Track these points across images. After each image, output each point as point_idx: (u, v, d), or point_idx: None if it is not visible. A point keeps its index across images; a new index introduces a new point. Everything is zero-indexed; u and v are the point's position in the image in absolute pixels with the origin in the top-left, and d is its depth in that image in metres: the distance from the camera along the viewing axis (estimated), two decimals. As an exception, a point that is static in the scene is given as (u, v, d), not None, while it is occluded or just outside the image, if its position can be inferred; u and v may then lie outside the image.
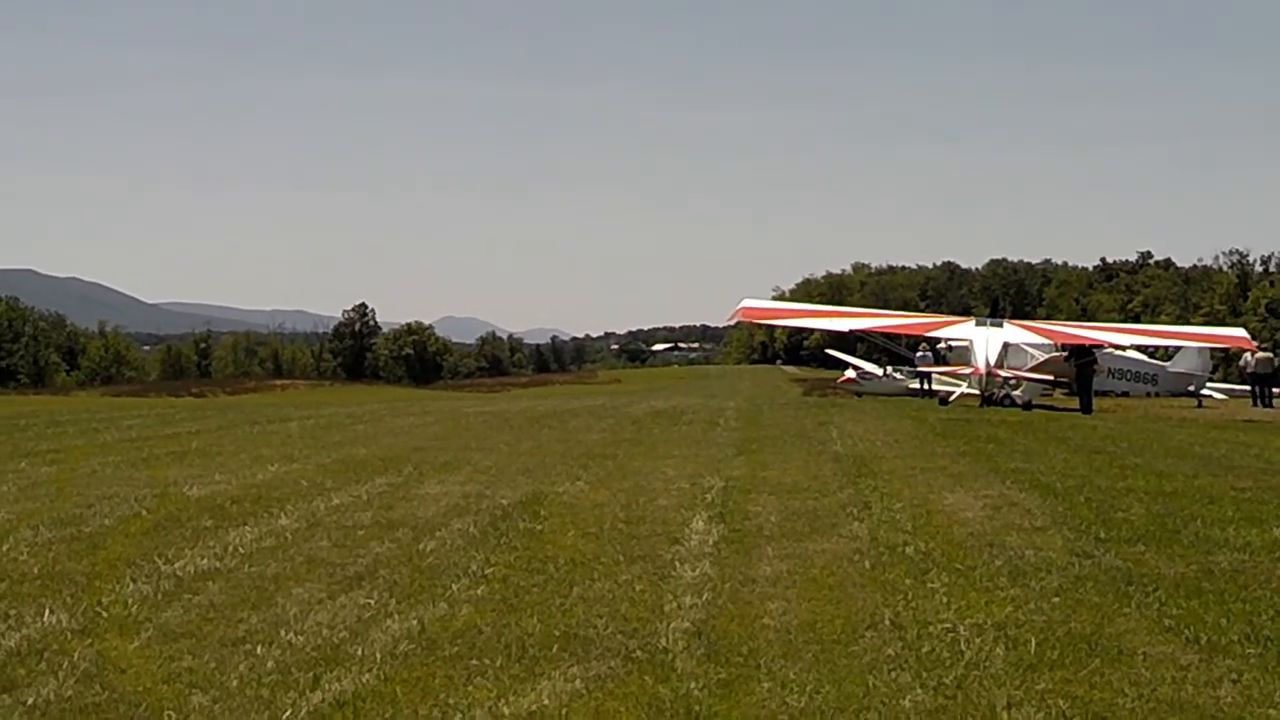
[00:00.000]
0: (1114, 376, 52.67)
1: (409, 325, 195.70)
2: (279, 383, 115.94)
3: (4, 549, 11.50)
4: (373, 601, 9.51)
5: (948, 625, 8.63)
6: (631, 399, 44.28)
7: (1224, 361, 75.63)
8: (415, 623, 8.82)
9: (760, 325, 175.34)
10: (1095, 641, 8.25)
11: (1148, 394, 54.19)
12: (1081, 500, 14.31)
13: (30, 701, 7.19)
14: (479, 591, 9.81)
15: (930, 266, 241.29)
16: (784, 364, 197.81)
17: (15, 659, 8.01)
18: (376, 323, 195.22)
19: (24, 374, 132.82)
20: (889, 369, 65.60)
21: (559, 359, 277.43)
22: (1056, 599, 9.42)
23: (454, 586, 9.94)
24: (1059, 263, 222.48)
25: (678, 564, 10.69)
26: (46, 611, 9.14)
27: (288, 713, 6.98)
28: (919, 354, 57.63)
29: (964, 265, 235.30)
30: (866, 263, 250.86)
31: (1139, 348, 54.10)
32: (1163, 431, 26.84)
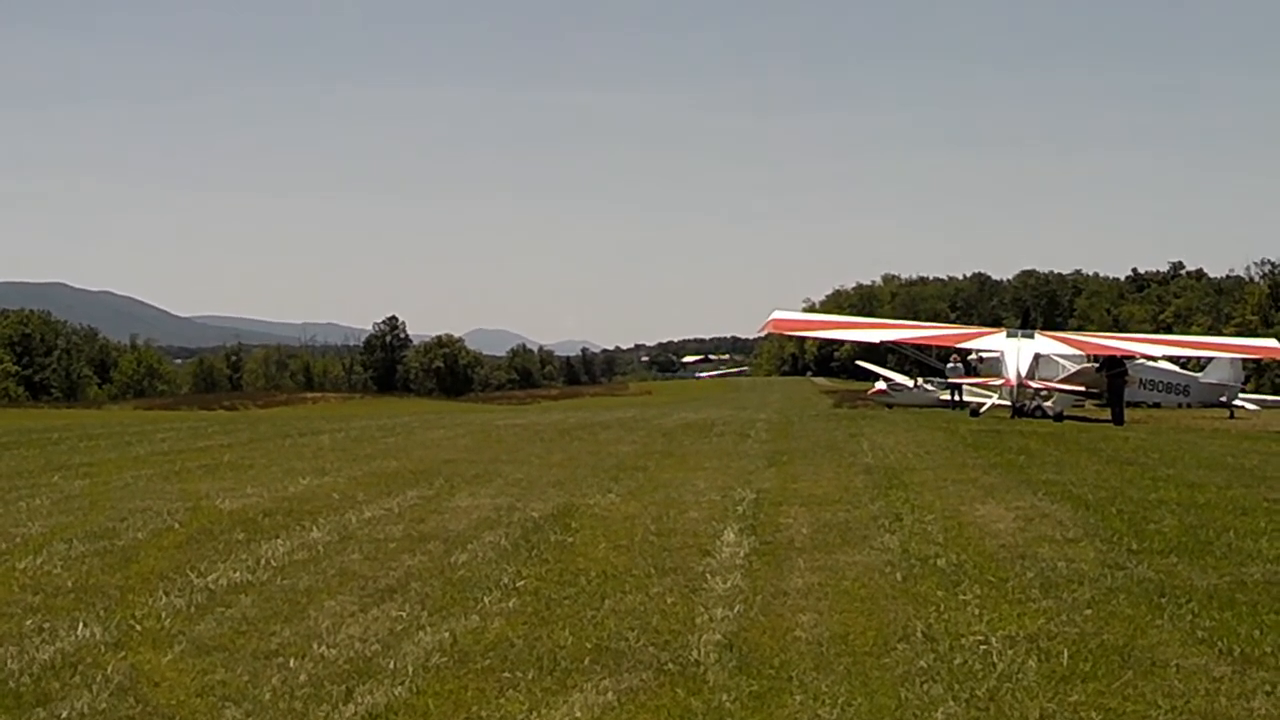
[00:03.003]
0: (1145, 387, 52.39)
1: (439, 338, 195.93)
2: (310, 395, 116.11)
3: (38, 562, 11.56)
4: (404, 614, 9.53)
5: (980, 637, 8.61)
6: (662, 411, 44.25)
7: (1256, 372, 75.26)
8: (447, 635, 8.84)
9: (790, 337, 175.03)
10: (1128, 653, 8.23)
11: (1179, 405, 53.84)
12: (1114, 512, 14.26)
13: (64, 715, 7.23)
14: (510, 604, 9.83)
15: (961, 277, 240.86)
16: (814, 375, 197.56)
17: (49, 672, 8.05)
18: (407, 335, 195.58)
19: (56, 388, 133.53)
20: (920, 380, 65.41)
21: (589, 371, 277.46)
22: (1089, 611, 9.40)
23: (485, 599, 9.96)
24: (1090, 273, 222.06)
25: (709, 576, 10.69)
26: (80, 625, 9.19)
27: (321, 725, 7.00)
28: (950, 365, 57.46)
29: (994, 276, 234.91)
30: (896, 274, 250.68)
31: (1171, 358, 53.80)
32: (1195, 443, 26.70)
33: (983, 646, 8.39)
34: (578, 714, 7.15)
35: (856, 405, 64.97)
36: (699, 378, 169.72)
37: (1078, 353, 46.49)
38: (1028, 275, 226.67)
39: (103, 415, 64.27)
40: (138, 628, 9.17)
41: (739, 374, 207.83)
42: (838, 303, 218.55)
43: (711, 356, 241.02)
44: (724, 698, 7.39)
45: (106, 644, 8.74)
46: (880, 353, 78.81)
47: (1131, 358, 47.03)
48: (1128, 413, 43.27)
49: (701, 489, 16.35)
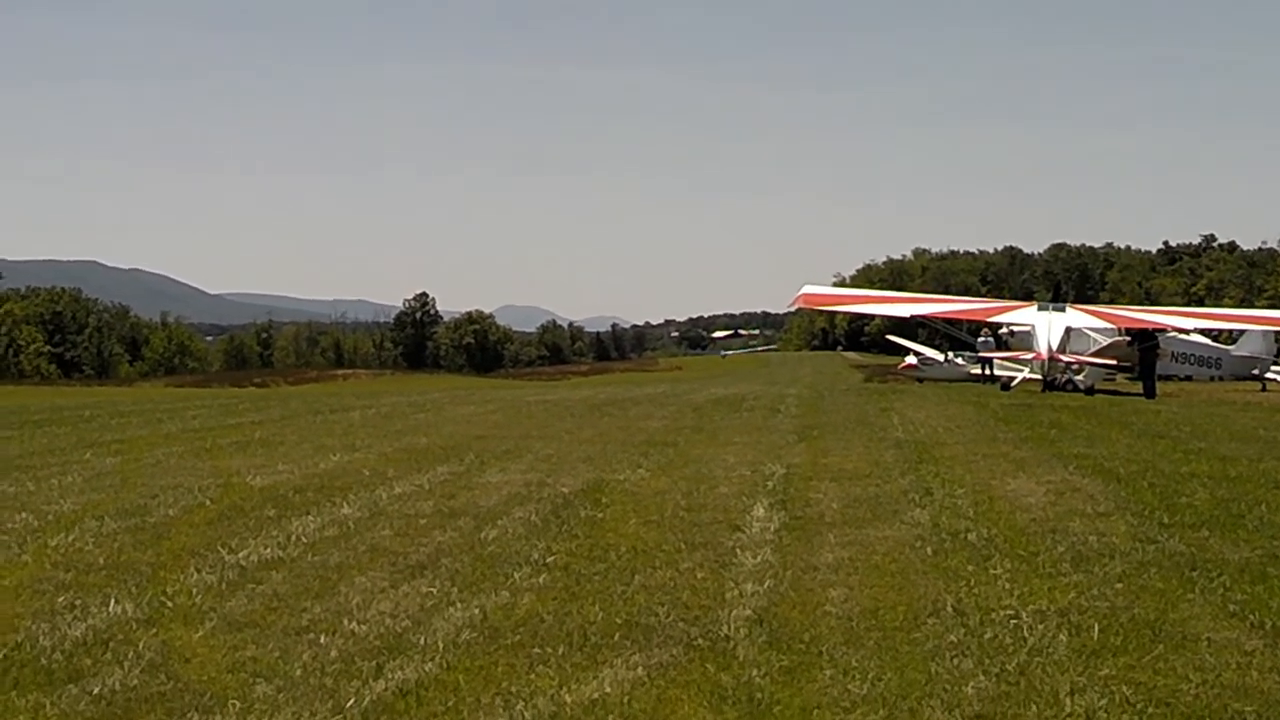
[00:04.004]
0: (1177, 360, 52.21)
1: (470, 314, 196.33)
2: (340, 372, 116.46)
3: (70, 539, 11.59)
4: (435, 590, 9.54)
5: (1010, 612, 8.59)
6: (692, 386, 44.25)
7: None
8: (477, 611, 8.85)
9: (821, 311, 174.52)
10: (1159, 627, 8.21)
11: (1211, 378, 53.67)
12: (1145, 485, 14.21)
13: (96, 691, 7.25)
14: (541, 580, 9.83)
15: (991, 251, 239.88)
16: (845, 350, 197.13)
17: (81, 649, 8.08)
18: (437, 312, 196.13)
19: (88, 365, 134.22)
20: (950, 354, 65.30)
21: (619, 347, 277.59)
22: (1120, 585, 9.37)
23: (516, 575, 9.96)
24: (1121, 246, 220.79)
25: (739, 551, 10.68)
26: (112, 602, 9.22)
27: (351, 701, 7.01)
28: (980, 339, 57.32)
29: (1025, 250, 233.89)
30: (927, 248, 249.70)
31: (1203, 331, 53.60)
32: (1227, 416, 26.61)
33: (1013, 621, 8.37)
34: (608, 689, 7.15)
35: (887, 380, 64.77)
36: (724, 355, 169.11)
37: (1109, 326, 46.34)
38: (1059, 248, 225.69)
39: (134, 392, 64.54)
40: (169, 604, 9.20)
41: (766, 350, 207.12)
42: (868, 277, 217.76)
43: (741, 332, 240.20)
44: (754, 672, 7.38)
45: (138, 620, 8.77)
46: (911, 327, 78.76)
47: (1163, 331, 46.85)
48: (1159, 386, 43.15)
49: (731, 464, 16.34)
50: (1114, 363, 45.84)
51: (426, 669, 7.55)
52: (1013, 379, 47.13)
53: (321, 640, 8.22)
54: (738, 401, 29.12)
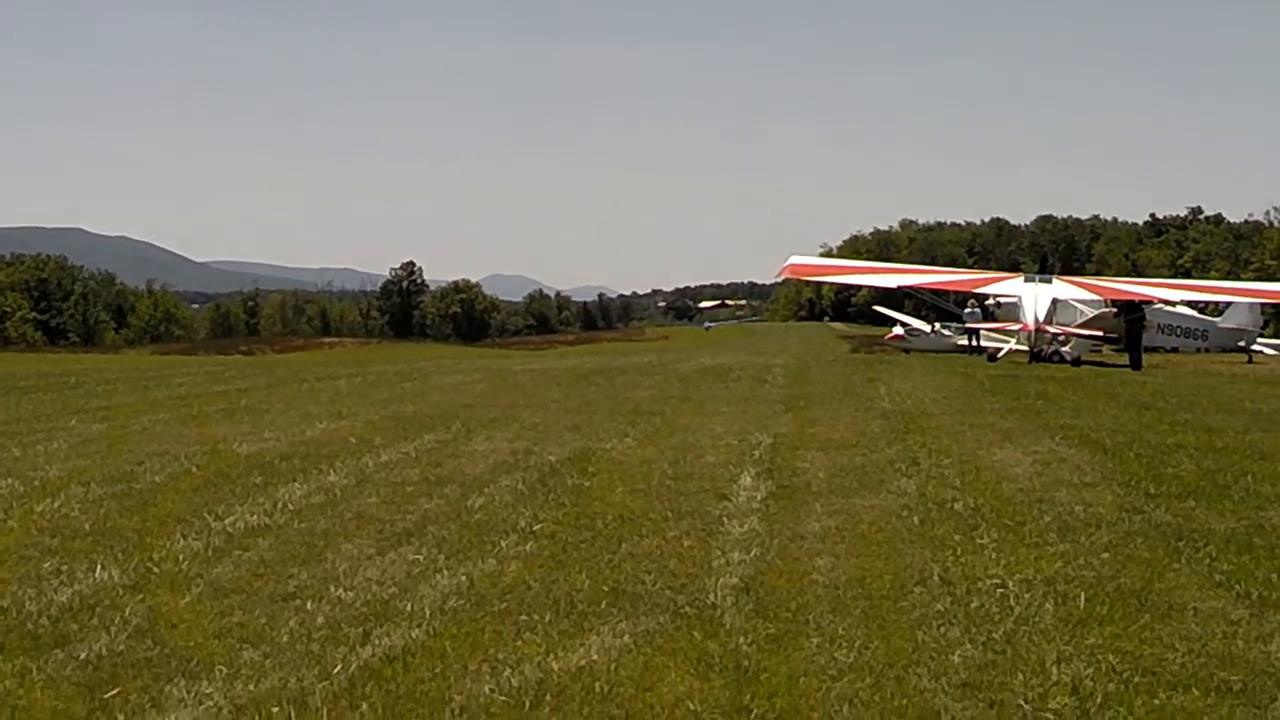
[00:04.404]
0: (1163, 332, 52.23)
1: (456, 283, 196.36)
2: (327, 340, 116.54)
3: (56, 505, 11.58)
4: (421, 557, 9.54)
5: (997, 581, 8.60)
6: (679, 356, 44.26)
7: (1275, 317, 74.97)
8: (464, 578, 8.84)
9: (808, 282, 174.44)
10: (1145, 597, 8.22)
11: (1198, 350, 53.70)
12: (1131, 456, 14.24)
13: (83, 656, 7.24)
14: (527, 548, 9.83)
15: (978, 223, 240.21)
16: (831, 321, 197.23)
17: (68, 614, 8.07)
18: (424, 281, 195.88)
19: (74, 332, 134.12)
20: (937, 325, 65.43)
21: (606, 317, 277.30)
22: (1106, 554, 9.39)
23: (502, 543, 9.96)
24: (1108, 218, 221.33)
25: (726, 520, 10.68)
26: (98, 567, 9.21)
27: (338, 667, 7.00)
28: (967, 310, 57.40)
29: (1012, 221, 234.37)
30: (914, 219, 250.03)
31: (1189, 303, 53.65)
32: (1213, 387, 26.66)
33: (999, 590, 8.38)
34: (594, 657, 7.15)
35: (874, 350, 64.99)
36: (707, 328, 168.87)
37: (1095, 298, 46.36)
38: (1045, 220, 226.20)
39: (120, 360, 64.46)
40: (155, 570, 9.19)
41: (748, 322, 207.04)
42: (855, 248, 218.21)
43: (729, 302, 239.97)
44: (741, 640, 7.38)
45: (124, 586, 8.76)
46: (898, 298, 78.83)
47: (1149, 302, 46.88)
48: (1146, 357, 43.21)
49: (718, 433, 16.35)
50: (1100, 334, 45.89)
51: (413, 636, 7.55)
52: (999, 350, 47.21)
53: (308, 607, 8.21)
54: (724, 371, 29.12)
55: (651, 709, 6.46)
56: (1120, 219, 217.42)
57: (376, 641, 7.44)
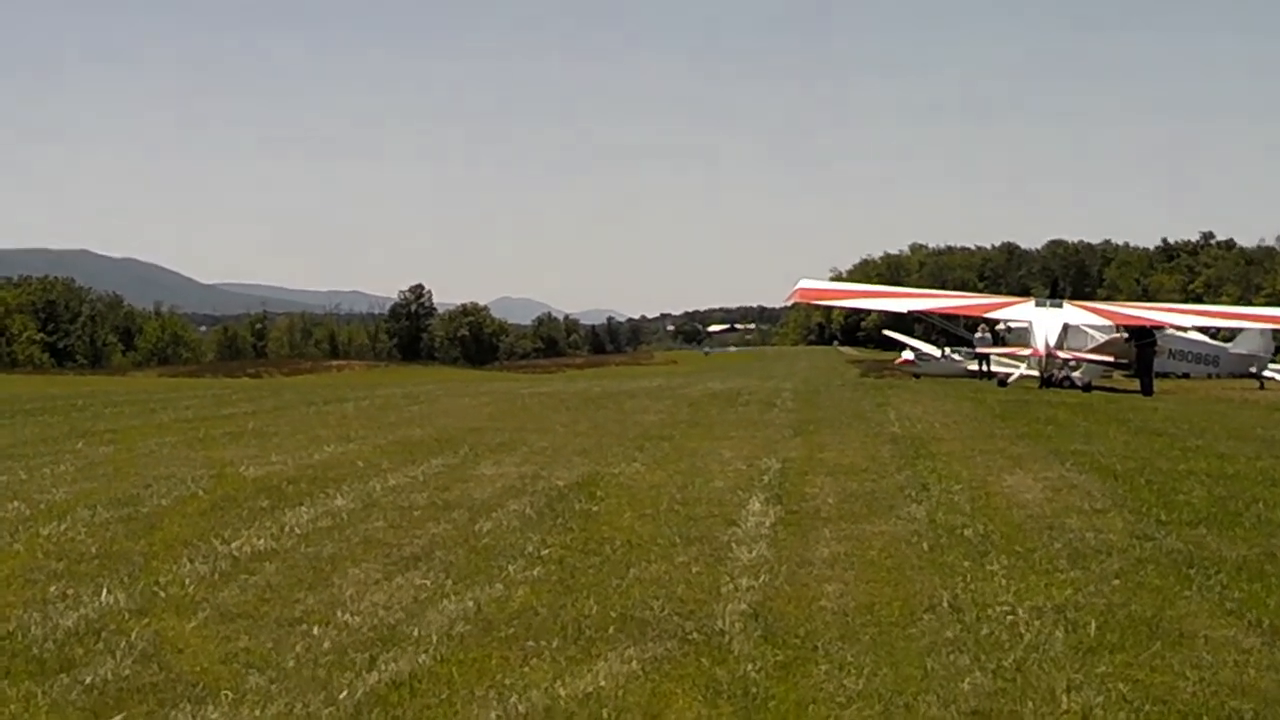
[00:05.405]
0: (1174, 358, 52.16)
1: (465, 306, 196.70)
2: (335, 363, 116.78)
3: (62, 528, 11.55)
4: (429, 582, 9.50)
5: (1007, 608, 8.56)
6: (688, 380, 44.25)
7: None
8: (471, 604, 8.81)
9: (817, 306, 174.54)
10: (1156, 625, 8.18)
11: (1209, 375, 53.64)
12: (1142, 482, 14.19)
13: (88, 681, 7.21)
14: (535, 573, 9.79)
15: (989, 247, 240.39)
16: (841, 345, 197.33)
17: (73, 638, 8.04)
18: (432, 304, 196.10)
19: (81, 354, 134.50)
20: (947, 350, 65.42)
21: (615, 340, 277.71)
22: (1117, 582, 9.34)
23: (510, 568, 9.92)
24: (1119, 243, 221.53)
25: (734, 546, 10.64)
26: (104, 591, 9.17)
27: (344, 693, 6.97)
28: (977, 335, 57.34)
29: (1023, 246, 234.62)
30: (924, 243, 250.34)
31: (1200, 329, 53.59)
32: (1224, 413, 26.64)
33: (1009, 617, 8.34)
34: (602, 683, 7.11)
35: (883, 375, 64.80)
36: (706, 353, 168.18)
37: (1106, 323, 46.37)
38: (1056, 245, 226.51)
39: (127, 382, 64.65)
40: (161, 594, 9.16)
41: (744, 350, 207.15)
42: (865, 272, 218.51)
43: (738, 326, 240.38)
44: (749, 667, 7.35)
45: (130, 610, 8.72)
46: (908, 322, 78.70)
47: (1160, 328, 46.86)
48: (1156, 383, 43.14)
49: (727, 458, 16.30)
50: (1111, 360, 45.88)
51: (420, 661, 7.51)
52: (1009, 375, 47.18)
53: (314, 631, 8.18)
54: (733, 396, 29.07)
55: (659, 736, 6.43)
56: (1132, 244, 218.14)
57: (383, 667, 7.41)
